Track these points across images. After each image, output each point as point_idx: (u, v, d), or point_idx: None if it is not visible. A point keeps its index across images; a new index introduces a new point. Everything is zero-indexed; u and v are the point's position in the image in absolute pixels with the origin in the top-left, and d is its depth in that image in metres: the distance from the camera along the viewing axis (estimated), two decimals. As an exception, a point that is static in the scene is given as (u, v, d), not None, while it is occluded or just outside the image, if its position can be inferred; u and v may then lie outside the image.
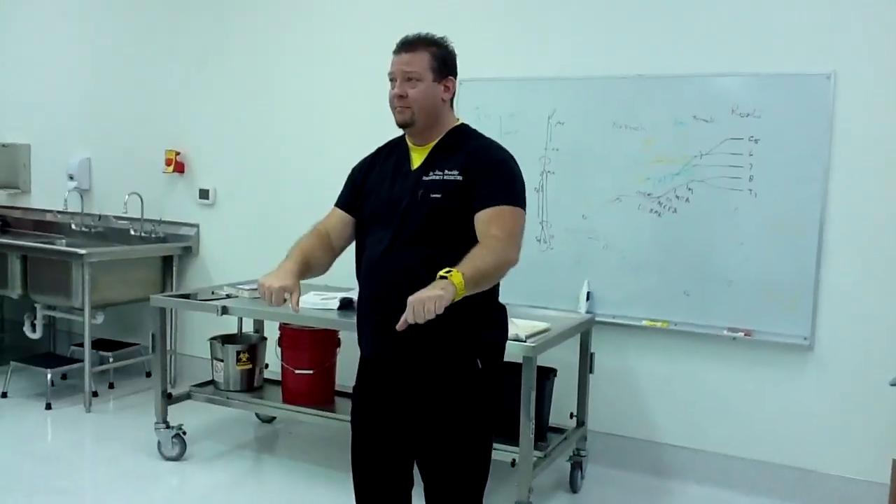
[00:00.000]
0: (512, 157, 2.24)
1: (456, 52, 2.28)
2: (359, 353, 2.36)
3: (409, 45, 2.21)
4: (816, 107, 3.53)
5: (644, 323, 3.91)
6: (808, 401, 3.66)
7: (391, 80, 2.23)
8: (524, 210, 2.20)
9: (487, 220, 2.12)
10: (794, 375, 3.68)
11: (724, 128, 3.68)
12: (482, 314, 2.24)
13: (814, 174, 3.55)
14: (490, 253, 2.06)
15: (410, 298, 1.89)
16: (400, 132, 2.31)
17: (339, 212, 2.35)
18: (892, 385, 2.18)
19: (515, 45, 4.16)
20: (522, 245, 2.22)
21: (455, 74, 2.27)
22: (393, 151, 2.32)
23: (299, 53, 4.77)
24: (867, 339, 3.53)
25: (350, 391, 2.40)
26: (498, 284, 2.29)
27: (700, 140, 3.73)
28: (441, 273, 1.94)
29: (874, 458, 3.44)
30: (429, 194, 2.16)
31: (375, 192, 2.27)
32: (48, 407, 4.70)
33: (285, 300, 2.08)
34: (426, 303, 1.86)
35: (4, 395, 4.89)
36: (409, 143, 2.28)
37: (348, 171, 2.42)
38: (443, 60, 2.22)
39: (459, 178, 2.15)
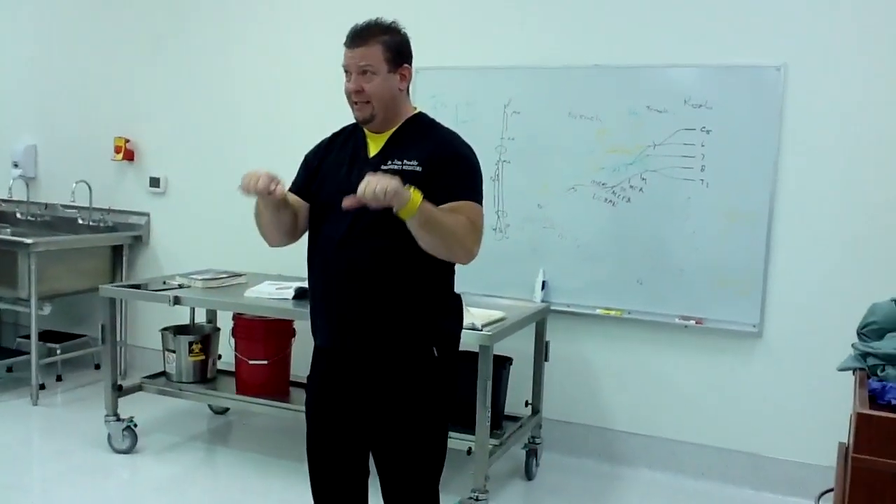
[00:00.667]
0: (473, 153, 2.23)
1: (409, 36, 2.22)
2: (313, 343, 2.34)
3: (360, 37, 2.14)
4: (767, 98, 3.60)
5: (598, 311, 3.95)
6: (758, 387, 3.75)
7: (346, 72, 2.18)
8: (482, 207, 2.19)
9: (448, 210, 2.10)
10: (743, 362, 3.76)
11: (677, 118, 3.73)
12: (437, 303, 2.24)
13: (764, 165, 3.62)
14: (455, 220, 2.04)
15: (371, 175, 1.89)
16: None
17: (294, 197, 2.28)
18: (840, 370, 2.23)
19: (473, 34, 4.16)
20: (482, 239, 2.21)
21: (410, 61, 2.22)
22: (350, 138, 2.28)
23: (254, 40, 4.71)
24: (814, 326, 3.61)
25: (305, 381, 2.38)
26: (453, 274, 2.29)
27: (653, 130, 3.78)
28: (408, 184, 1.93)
29: (821, 442, 3.51)
30: None
31: (330, 179, 2.23)
32: (-7, 400, 4.59)
33: (270, 191, 2.04)
34: (381, 182, 1.86)
35: (-53, 388, 4.76)
36: (366, 131, 2.24)
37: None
38: (397, 49, 2.17)
39: (419, 168, 2.13)
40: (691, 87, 3.71)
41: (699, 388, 3.85)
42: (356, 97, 2.16)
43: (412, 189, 1.93)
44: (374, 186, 1.86)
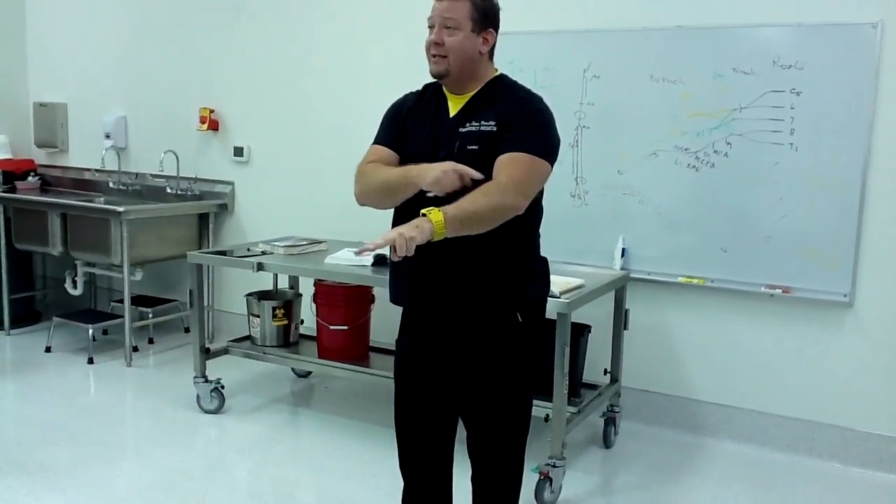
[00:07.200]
0: (547, 109, 2.21)
1: (499, 4, 2.24)
2: (393, 308, 2.36)
3: None
4: (861, 58, 3.42)
5: (680, 280, 3.87)
6: (848, 358, 3.62)
7: (429, 26, 2.20)
8: (547, 162, 2.14)
9: (500, 166, 2.08)
10: (833, 333, 3.63)
11: (765, 80, 3.59)
12: (522, 267, 2.23)
13: (857, 128, 3.46)
14: (484, 196, 2.00)
15: (386, 233, 1.90)
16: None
17: (386, 150, 2.28)
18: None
19: (550, -3, 4.08)
20: (545, 196, 2.23)
21: (496, 27, 2.24)
22: (431, 98, 2.28)
23: (333, 7, 4.73)
24: (909, 296, 3.46)
25: (384, 347, 2.42)
26: (538, 237, 2.28)
27: (740, 93, 3.65)
28: (423, 210, 1.92)
29: (914, 417, 3.41)
30: (465, 146, 2.14)
31: (414, 139, 2.25)
32: (90, 361, 4.81)
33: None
34: (397, 240, 1.86)
35: (48, 349, 5.01)
36: (446, 92, 2.25)
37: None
38: (484, 12, 2.18)
39: (494, 128, 2.13)
40: (780, 47, 3.56)
41: (786, 359, 3.74)
42: (434, 49, 2.17)
43: (430, 212, 1.91)
44: (394, 246, 1.87)
